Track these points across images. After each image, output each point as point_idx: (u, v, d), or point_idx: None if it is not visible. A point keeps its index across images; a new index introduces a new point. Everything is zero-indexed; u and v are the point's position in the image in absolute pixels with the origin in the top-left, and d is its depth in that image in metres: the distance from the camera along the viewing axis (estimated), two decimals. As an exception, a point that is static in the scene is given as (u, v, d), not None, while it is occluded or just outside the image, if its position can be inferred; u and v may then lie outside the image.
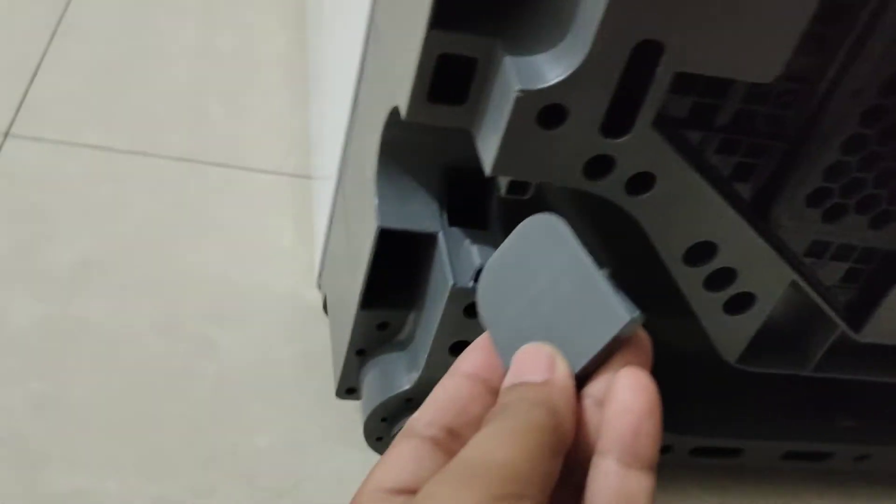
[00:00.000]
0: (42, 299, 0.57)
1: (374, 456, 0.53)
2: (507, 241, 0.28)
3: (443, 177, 0.45)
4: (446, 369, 0.45)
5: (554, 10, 0.34)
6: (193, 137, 0.73)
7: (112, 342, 0.56)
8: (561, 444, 0.23)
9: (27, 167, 0.66)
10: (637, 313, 0.23)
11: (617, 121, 0.35)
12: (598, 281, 0.24)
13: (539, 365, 0.25)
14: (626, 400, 0.23)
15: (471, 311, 0.41)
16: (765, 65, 0.35)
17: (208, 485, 0.49)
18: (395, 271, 0.46)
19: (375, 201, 0.43)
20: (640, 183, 0.38)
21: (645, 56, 0.33)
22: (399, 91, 0.39)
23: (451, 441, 0.25)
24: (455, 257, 0.42)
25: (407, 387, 0.45)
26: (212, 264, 0.62)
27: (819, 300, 0.45)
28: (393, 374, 0.46)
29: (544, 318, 0.26)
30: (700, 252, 0.41)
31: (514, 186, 0.37)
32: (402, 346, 0.47)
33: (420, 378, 0.45)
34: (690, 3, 0.32)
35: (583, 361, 0.24)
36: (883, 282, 0.45)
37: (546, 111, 0.34)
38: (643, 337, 0.24)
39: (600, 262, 0.25)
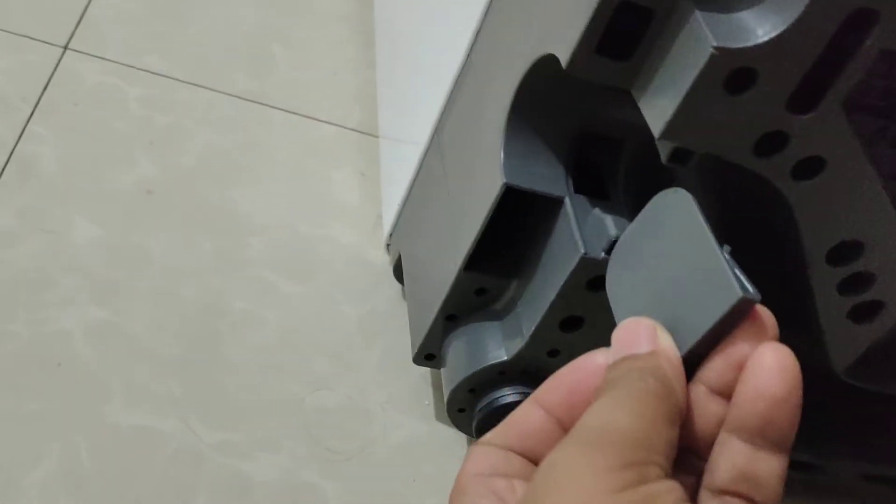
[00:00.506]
0: (103, 223, 0.54)
1: (441, 427, 0.50)
2: (639, 215, 0.27)
3: (571, 141, 0.42)
4: (552, 344, 0.42)
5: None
6: (257, 78, 0.69)
7: (173, 275, 0.52)
8: (676, 413, 0.23)
9: (86, 84, 0.62)
10: (753, 291, 0.22)
11: (803, 95, 0.33)
12: (716, 258, 0.23)
13: (641, 337, 0.24)
14: (762, 383, 0.22)
15: (595, 284, 0.38)
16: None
17: (273, 438, 0.46)
18: (501, 236, 0.43)
19: (502, 156, 0.40)
20: (810, 167, 0.35)
21: (853, 26, 0.31)
22: (559, 39, 0.35)
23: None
24: (583, 226, 0.39)
25: (505, 358, 0.42)
26: (274, 208, 0.59)
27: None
28: (487, 343, 0.43)
29: (663, 294, 0.25)
30: (846, 251, 0.39)
31: (678, 154, 0.34)
32: (498, 315, 0.44)
33: (520, 351, 0.42)
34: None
35: (694, 339, 0.23)
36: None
37: (736, 74, 0.31)
38: (767, 317, 0.22)
39: (721, 241, 0.24)
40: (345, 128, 0.69)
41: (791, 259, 0.40)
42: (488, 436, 0.26)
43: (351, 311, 0.53)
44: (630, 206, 0.42)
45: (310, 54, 0.74)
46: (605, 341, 0.25)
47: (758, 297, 0.22)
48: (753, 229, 0.42)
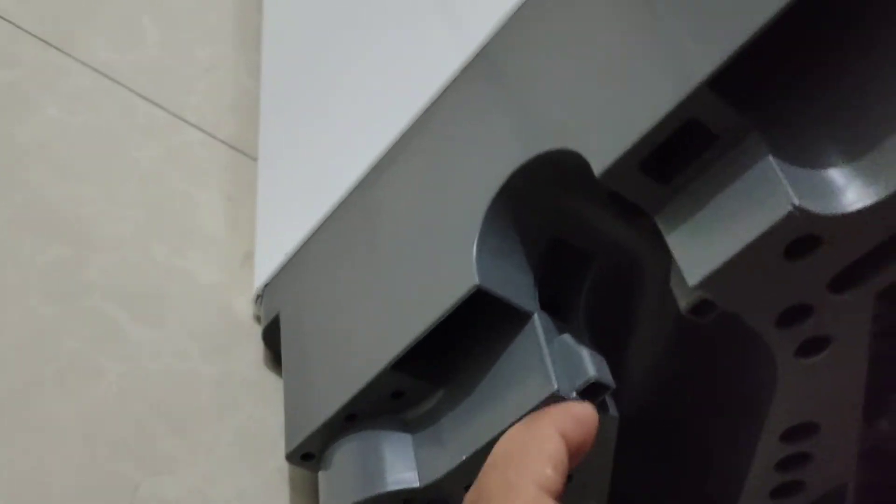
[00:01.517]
0: None
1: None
2: None
3: (543, 247, 0.36)
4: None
5: (849, 118, 0.28)
6: (118, 51, 0.57)
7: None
8: None
9: None
10: None
11: (847, 274, 0.29)
12: None
13: None
14: None
15: (550, 425, 0.32)
16: None
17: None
18: (439, 335, 0.36)
19: (475, 252, 0.33)
20: (816, 345, 0.32)
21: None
22: (591, 140, 0.30)
23: None
24: (552, 352, 0.33)
25: (416, 484, 0.35)
26: (125, 221, 0.47)
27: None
28: (393, 461, 0.36)
29: None
30: (803, 430, 0.36)
31: (701, 306, 0.30)
32: (410, 427, 0.37)
33: (442, 479, 0.34)
34: None
35: None
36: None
37: (802, 241, 0.27)
38: None
39: None
40: (215, 138, 0.58)
41: (742, 426, 0.37)
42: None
43: (206, 371, 0.43)
44: (588, 328, 0.37)
45: (183, 39, 0.63)
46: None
47: None
48: (708, 385, 0.39)
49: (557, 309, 0.36)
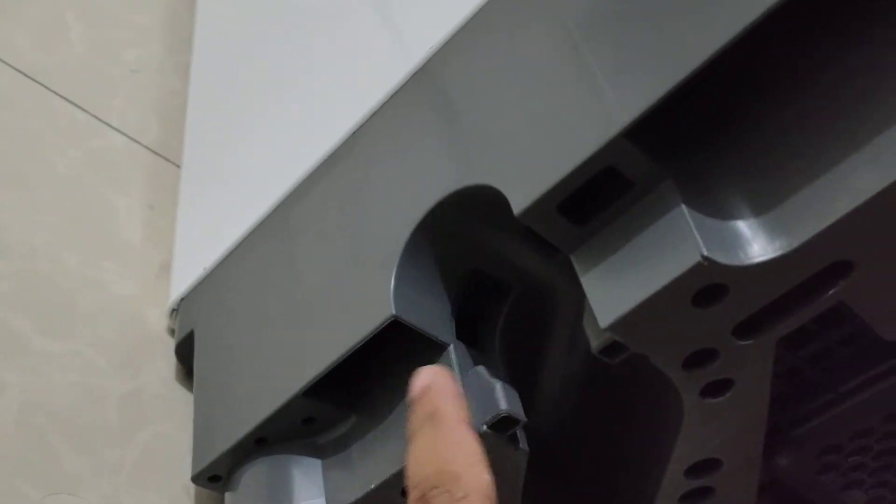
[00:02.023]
0: None
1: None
2: None
3: (461, 277, 0.36)
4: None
5: (759, 172, 0.29)
6: (42, 50, 0.55)
7: None
8: None
9: None
10: None
11: (752, 321, 0.30)
12: None
13: None
14: None
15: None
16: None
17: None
18: (353, 361, 0.36)
19: (392, 283, 0.33)
20: (719, 387, 0.32)
21: (826, 272, 0.29)
22: (512, 179, 0.30)
23: None
24: (466, 384, 0.33)
25: (321, 512, 0.35)
26: (38, 226, 0.46)
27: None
28: (302, 486, 0.35)
29: None
30: (706, 466, 0.37)
31: (612, 348, 0.30)
32: (321, 451, 0.37)
33: (346, 508, 0.34)
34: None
35: None
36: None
37: (709, 289, 0.28)
38: None
39: None
40: (138, 143, 0.57)
41: (649, 460, 0.38)
42: None
43: (113, 387, 0.42)
44: (503, 360, 0.37)
45: (109, 39, 0.61)
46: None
47: None
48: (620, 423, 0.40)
49: (475, 339, 0.37)
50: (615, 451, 0.42)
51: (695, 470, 0.37)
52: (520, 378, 0.37)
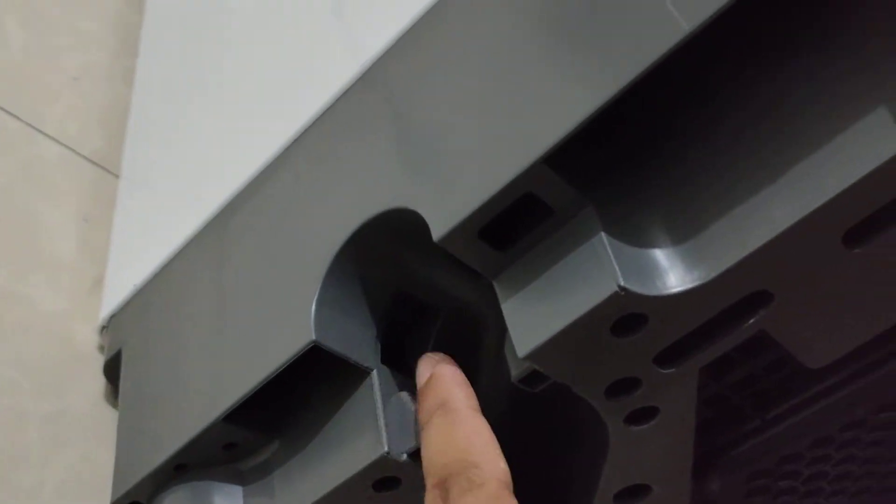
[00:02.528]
0: None
1: None
2: None
3: (387, 301, 0.36)
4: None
5: (678, 202, 0.28)
6: (-24, 57, 0.54)
7: None
8: None
9: None
10: None
11: (673, 350, 0.30)
12: None
13: None
14: None
15: (382, 486, 0.32)
16: (824, 355, 0.32)
17: None
18: (275, 386, 0.35)
19: (313, 308, 0.32)
20: (645, 415, 0.32)
21: (746, 302, 0.29)
22: (433, 204, 0.30)
23: None
24: (387, 410, 0.32)
25: (242, 539, 0.34)
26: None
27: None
28: (222, 513, 0.35)
29: None
30: (635, 492, 0.37)
31: (532, 377, 0.30)
32: (242, 478, 0.36)
33: (270, 537, 0.34)
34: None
35: None
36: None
37: (628, 319, 0.28)
38: None
39: None
40: (77, 153, 0.56)
41: (578, 486, 0.38)
42: (502, 467, 0.28)
43: (35, 407, 0.41)
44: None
45: (50, 44, 0.60)
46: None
47: None
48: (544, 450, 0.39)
49: (403, 363, 0.36)
50: (549, 477, 0.41)
51: (624, 496, 0.37)
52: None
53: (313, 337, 0.32)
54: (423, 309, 0.37)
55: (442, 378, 0.31)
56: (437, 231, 0.29)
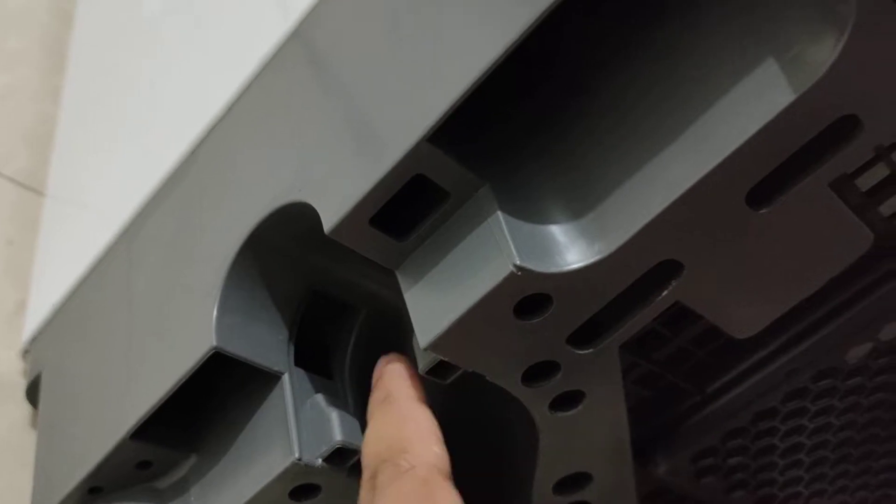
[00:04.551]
0: None
1: None
2: None
3: (298, 300, 0.34)
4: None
5: (574, 174, 0.27)
6: None
7: None
8: None
9: None
10: None
11: (586, 330, 0.29)
12: None
13: None
14: None
15: (299, 494, 0.31)
16: (748, 324, 0.30)
17: None
18: (187, 397, 0.34)
19: (215, 313, 0.31)
20: (570, 400, 0.31)
21: (656, 273, 0.27)
22: (323, 194, 0.28)
23: None
24: (301, 416, 0.31)
25: (159, 561, 0.32)
26: None
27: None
28: (139, 535, 0.33)
29: None
30: (575, 481, 0.35)
31: (439, 368, 0.28)
32: (160, 496, 0.34)
33: (185, 554, 0.32)
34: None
35: None
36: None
37: (530, 299, 0.26)
38: None
39: None
40: (2, 175, 0.54)
41: (516, 482, 0.36)
42: (435, 451, 0.27)
43: (-48, 438, 0.40)
44: (353, 387, 0.35)
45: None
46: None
47: None
48: (480, 442, 0.38)
49: (322, 365, 0.35)
50: (491, 469, 0.40)
51: (564, 486, 0.35)
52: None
53: (214, 343, 0.30)
54: (340, 310, 0.35)
55: (387, 372, 0.30)
56: (328, 223, 0.27)
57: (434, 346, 0.27)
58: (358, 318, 0.35)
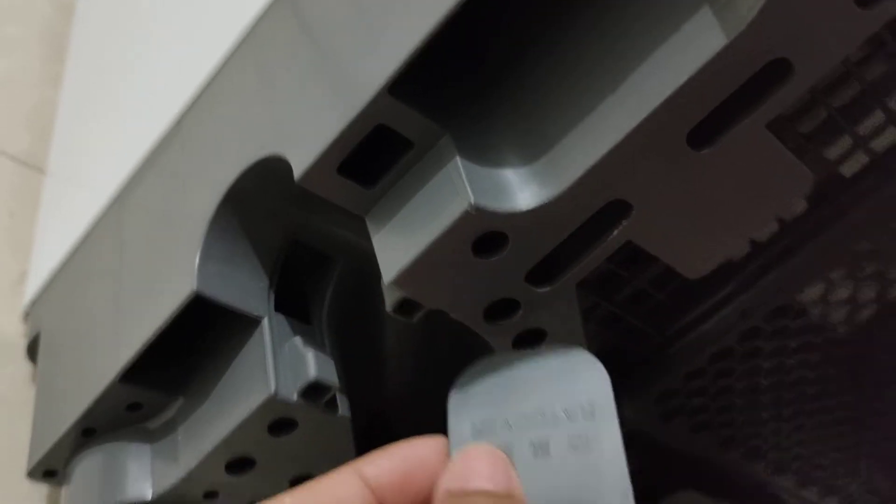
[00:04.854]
0: None
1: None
2: (538, 357, 0.27)
3: (279, 250, 0.36)
4: (211, 485, 0.35)
5: (529, 122, 0.29)
6: None
7: None
8: None
9: None
10: None
11: (543, 269, 0.30)
12: (621, 460, 0.23)
13: (499, 474, 0.23)
14: None
15: (278, 429, 0.33)
16: (699, 264, 0.32)
17: None
18: (173, 343, 0.36)
19: (197, 259, 0.33)
20: (531, 338, 0.33)
21: (607, 213, 0.29)
22: (294, 145, 0.30)
23: None
24: (279, 357, 0.33)
25: (149, 497, 0.34)
26: None
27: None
28: (129, 472, 0.35)
29: (542, 455, 0.24)
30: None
31: (405, 305, 0.30)
32: (151, 437, 0.36)
33: (171, 488, 0.34)
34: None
35: None
36: (669, 484, 0.45)
37: (487, 237, 0.28)
38: None
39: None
40: (4, 154, 0.56)
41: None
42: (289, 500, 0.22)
43: (-44, 393, 0.42)
44: (332, 333, 0.37)
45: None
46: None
47: None
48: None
49: (302, 313, 0.36)
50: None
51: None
52: (355, 353, 0.37)
53: (195, 287, 0.32)
54: (318, 260, 0.37)
55: None
56: (298, 171, 0.29)
57: (397, 281, 0.29)
58: (336, 268, 0.37)
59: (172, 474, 0.34)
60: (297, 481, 0.36)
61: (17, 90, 0.59)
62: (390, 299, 0.30)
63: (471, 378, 0.27)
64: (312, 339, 0.34)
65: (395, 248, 0.29)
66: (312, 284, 0.37)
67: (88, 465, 0.36)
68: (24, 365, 0.45)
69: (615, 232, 0.29)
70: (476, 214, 0.27)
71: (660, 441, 0.42)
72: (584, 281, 0.35)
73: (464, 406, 0.27)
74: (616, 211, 0.29)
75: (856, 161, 0.32)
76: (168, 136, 0.40)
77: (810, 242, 0.34)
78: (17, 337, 0.46)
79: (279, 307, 0.35)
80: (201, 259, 0.33)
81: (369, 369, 0.39)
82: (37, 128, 0.59)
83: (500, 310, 0.31)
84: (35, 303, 0.45)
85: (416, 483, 0.24)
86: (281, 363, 0.33)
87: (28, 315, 0.46)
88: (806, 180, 0.31)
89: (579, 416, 0.25)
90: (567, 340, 0.34)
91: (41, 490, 0.41)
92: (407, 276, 0.28)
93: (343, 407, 0.34)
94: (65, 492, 0.37)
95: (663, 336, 0.37)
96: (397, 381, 0.40)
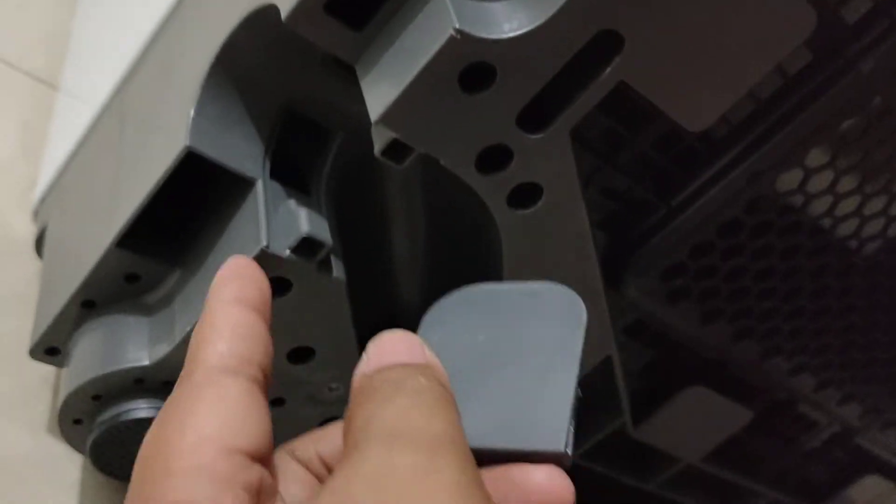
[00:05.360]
0: None
1: (53, 442, 0.41)
2: (509, 285, 0.27)
3: (276, 117, 0.36)
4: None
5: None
6: None
7: None
8: None
9: None
10: (570, 452, 0.22)
11: (535, 113, 0.30)
12: (567, 399, 0.23)
13: (414, 349, 0.23)
14: None
15: (274, 288, 0.32)
16: (698, 114, 0.31)
17: None
18: (172, 215, 0.35)
19: (191, 114, 0.33)
20: (527, 195, 0.32)
21: (597, 51, 0.28)
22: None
23: (266, 382, 0.23)
24: (272, 216, 0.33)
25: (146, 362, 0.34)
26: None
27: (622, 384, 0.42)
28: (127, 342, 0.35)
29: (489, 376, 0.24)
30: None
31: (394, 148, 0.30)
32: (149, 310, 0.36)
33: (167, 356, 0.34)
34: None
35: (496, 443, 0.23)
36: (679, 381, 0.44)
37: (474, 69, 0.28)
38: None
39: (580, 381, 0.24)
40: (19, 70, 0.57)
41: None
42: (219, 349, 0.23)
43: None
44: (331, 206, 0.37)
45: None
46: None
47: (569, 460, 0.22)
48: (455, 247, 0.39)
49: (300, 183, 0.36)
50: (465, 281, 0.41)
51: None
52: (355, 227, 0.37)
53: (187, 142, 0.32)
54: (317, 130, 0.37)
55: (215, 280, 0.25)
56: (285, 11, 0.29)
57: (385, 118, 0.28)
58: (335, 141, 0.37)
59: (165, 345, 0.34)
60: (294, 354, 0.35)
61: (34, 12, 0.60)
62: (379, 141, 0.30)
63: (451, 302, 0.27)
64: (309, 204, 0.34)
65: (382, 86, 0.28)
66: (310, 158, 0.37)
67: (87, 337, 0.36)
68: (36, 262, 0.46)
69: (608, 70, 0.29)
70: (461, 40, 0.26)
71: (669, 333, 0.41)
72: (584, 139, 0.35)
73: (433, 325, 0.26)
74: (607, 45, 0.28)
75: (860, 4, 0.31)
76: (168, 18, 0.40)
77: (818, 99, 0.33)
78: (28, 236, 0.47)
79: (277, 177, 0.35)
80: (194, 117, 0.33)
81: (370, 255, 0.38)
82: (52, 47, 0.60)
83: (494, 159, 0.30)
84: (43, 201, 0.46)
85: None
86: (274, 222, 0.32)
87: (37, 213, 0.46)
88: (809, 22, 0.29)
89: (545, 350, 0.24)
90: (564, 199, 0.33)
91: (50, 380, 0.41)
92: (394, 112, 0.28)
93: (337, 269, 0.33)
94: (64, 373, 0.37)
95: (668, 206, 0.36)
96: (399, 263, 0.40)
